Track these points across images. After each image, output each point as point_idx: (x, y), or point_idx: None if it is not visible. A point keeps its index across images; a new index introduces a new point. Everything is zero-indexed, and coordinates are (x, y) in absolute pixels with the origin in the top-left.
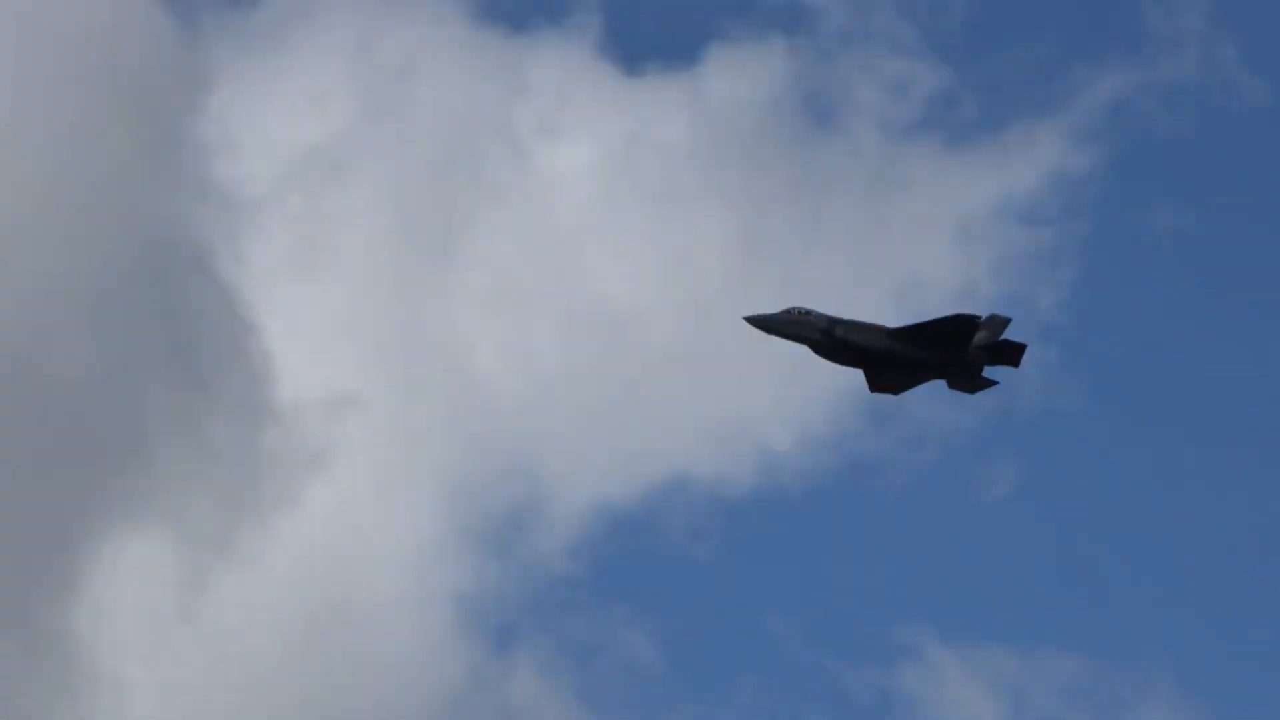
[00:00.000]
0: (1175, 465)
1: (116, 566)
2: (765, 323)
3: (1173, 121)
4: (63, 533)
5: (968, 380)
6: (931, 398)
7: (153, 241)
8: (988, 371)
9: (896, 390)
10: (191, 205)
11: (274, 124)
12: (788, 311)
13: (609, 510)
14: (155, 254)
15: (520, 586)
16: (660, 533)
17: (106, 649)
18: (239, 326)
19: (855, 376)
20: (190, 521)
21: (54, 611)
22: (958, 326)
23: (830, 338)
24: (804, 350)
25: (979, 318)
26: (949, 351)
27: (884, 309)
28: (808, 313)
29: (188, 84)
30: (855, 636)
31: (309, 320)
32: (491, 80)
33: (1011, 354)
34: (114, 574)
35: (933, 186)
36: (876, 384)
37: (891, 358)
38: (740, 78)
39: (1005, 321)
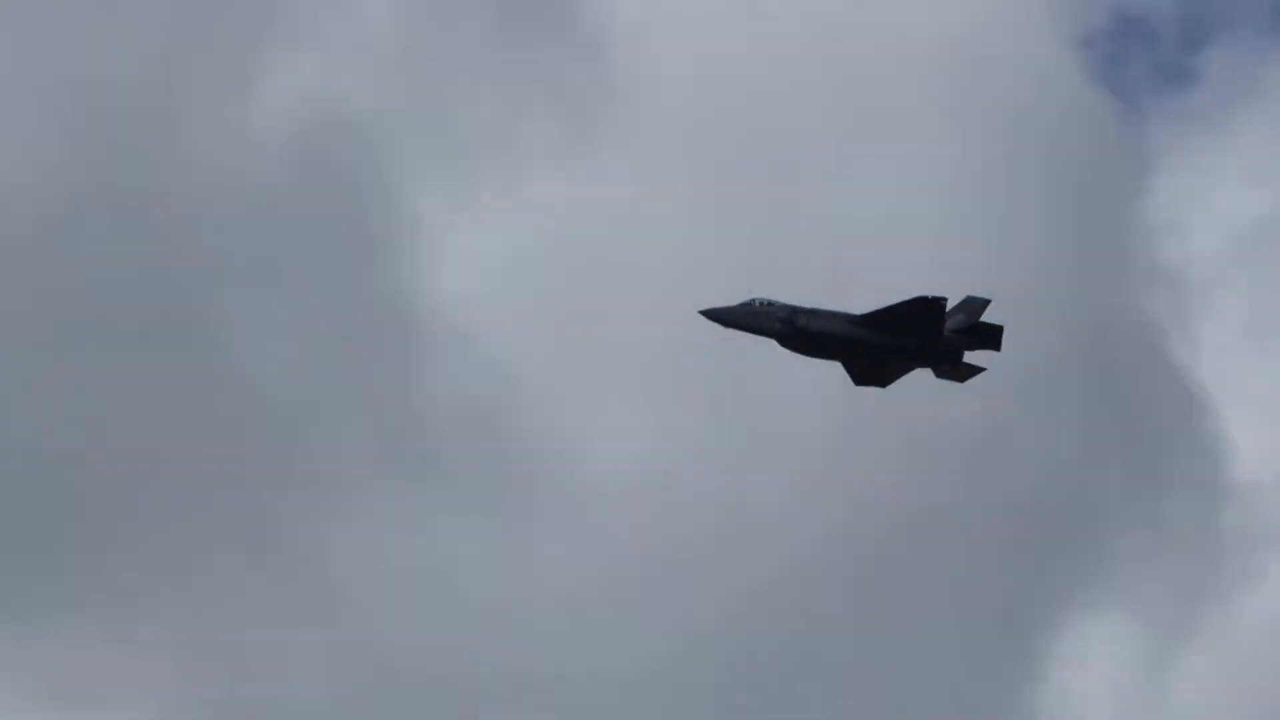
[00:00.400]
0: None
1: (1079, 651)
2: (723, 316)
3: None
4: (1025, 619)
5: (951, 366)
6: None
7: (1101, 325)
8: (972, 357)
9: (883, 382)
10: (1139, 287)
11: (1218, 202)
12: (748, 303)
13: None
14: (1103, 337)
15: None
16: None
17: None
18: (1191, 406)
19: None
20: (1150, 604)
21: (1020, 698)
22: (924, 308)
23: (793, 327)
24: (771, 344)
25: (943, 299)
26: (922, 335)
27: None
28: (770, 303)
29: (1130, 167)
30: None
31: (1263, 396)
32: None
33: (990, 336)
34: (1076, 659)
35: None
36: (860, 377)
37: (860, 345)
38: None
39: (984, 303)
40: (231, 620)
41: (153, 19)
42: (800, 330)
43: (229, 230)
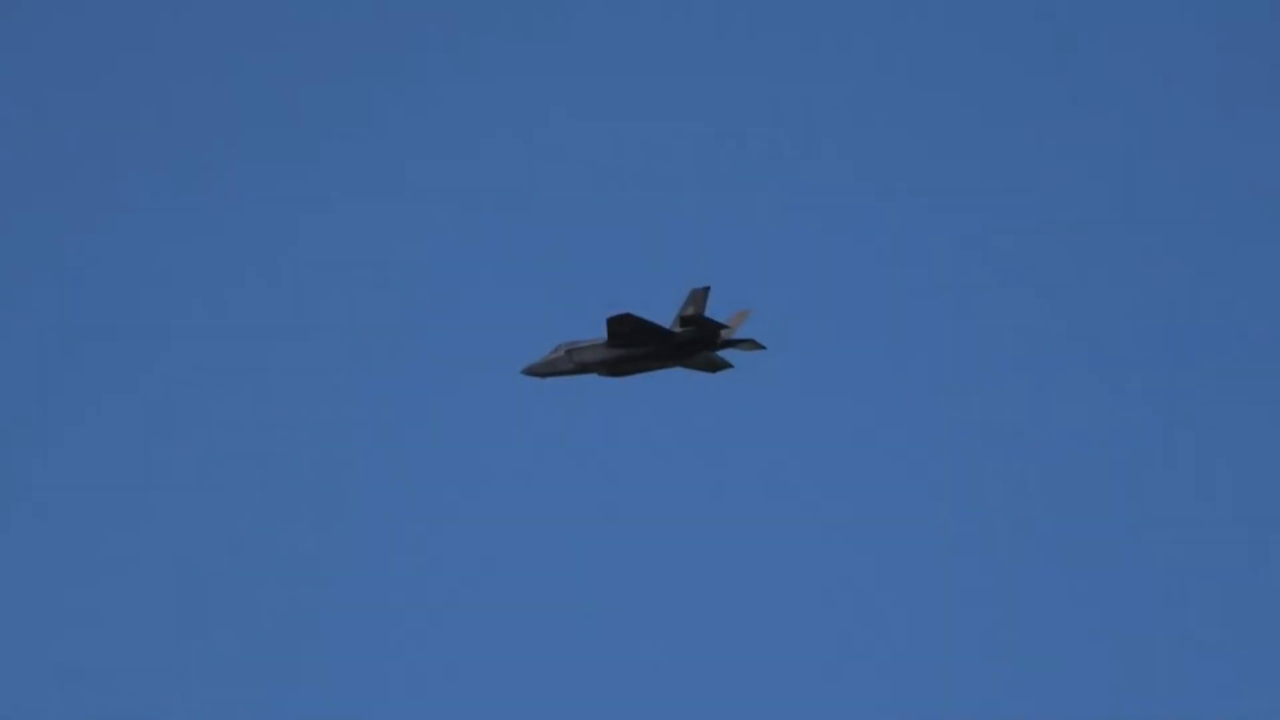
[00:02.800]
0: None
1: None
2: (536, 369)
3: None
4: None
5: (726, 346)
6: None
7: None
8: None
9: (717, 367)
10: None
11: None
12: (555, 349)
13: None
14: None
15: None
16: None
17: None
18: None
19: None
20: None
21: None
22: (620, 325)
23: (574, 364)
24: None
25: (626, 314)
26: (654, 342)
27: None
28: (568, 346)
29: None
30: None
31: None
32: None
33: (706, 326)
34: None
35: None
36: (705, 367)
37: (634, 359)
38: None
39: (704, 290)
40: None
41: None
42: (581, 364)
43: None
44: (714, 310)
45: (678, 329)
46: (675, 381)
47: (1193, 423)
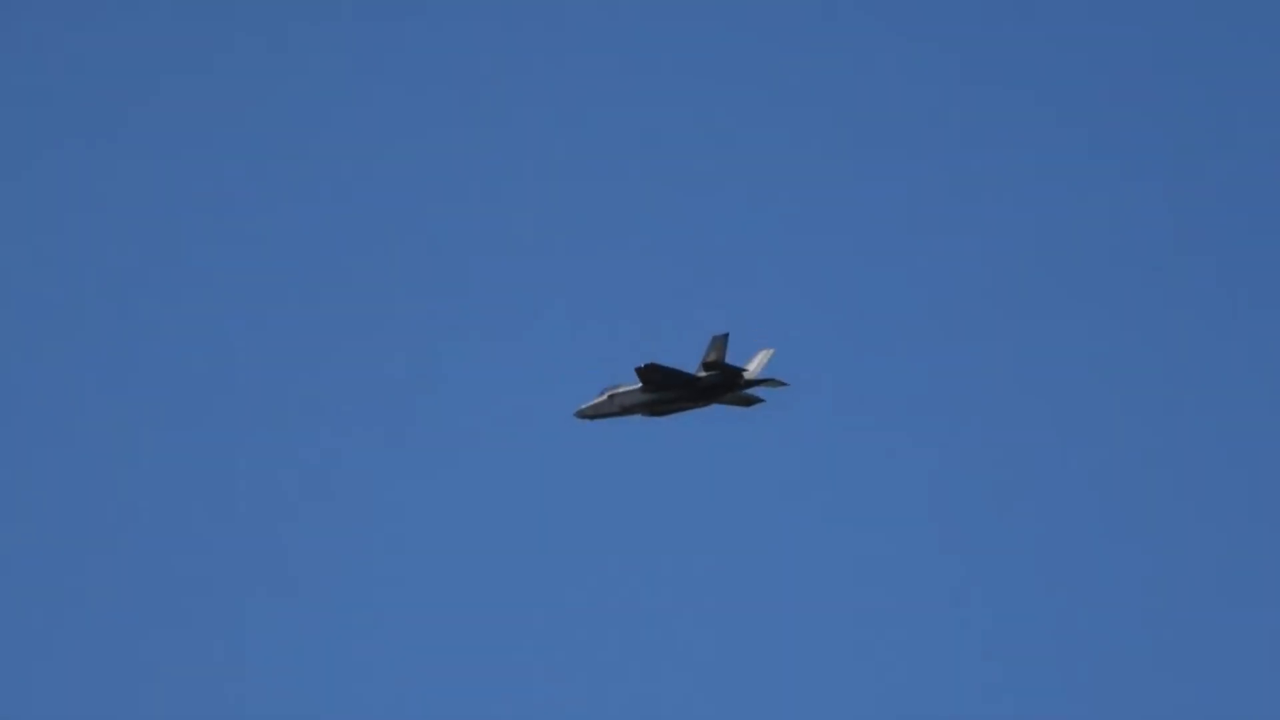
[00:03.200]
0: None
1: None
2: (587, 412)
3: None
4: None
5: (751, 386)
6: None
7: None
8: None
9: (750, 405)
10: None
11: None
12: (601, 394)
13: None
14: None
15: None
16: None
17: None
18: None
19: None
20: None
21: None
22: (648, 373)
23: (618, 407)
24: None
25: (651, 363)
26: (681, 388)
27: None
28: (611, 390)
29: None
30: None
31: None
32: None
33: (726, 370)
34: None
35: None
36: (728, 400)
37: (668, 401)
38: None
39: (723, 337)
40: None
41: None
42: (624, 407)
43: None
44: (740, 347)
45: (702, 374)
46: (711, 419)
47: (1194, 439)
